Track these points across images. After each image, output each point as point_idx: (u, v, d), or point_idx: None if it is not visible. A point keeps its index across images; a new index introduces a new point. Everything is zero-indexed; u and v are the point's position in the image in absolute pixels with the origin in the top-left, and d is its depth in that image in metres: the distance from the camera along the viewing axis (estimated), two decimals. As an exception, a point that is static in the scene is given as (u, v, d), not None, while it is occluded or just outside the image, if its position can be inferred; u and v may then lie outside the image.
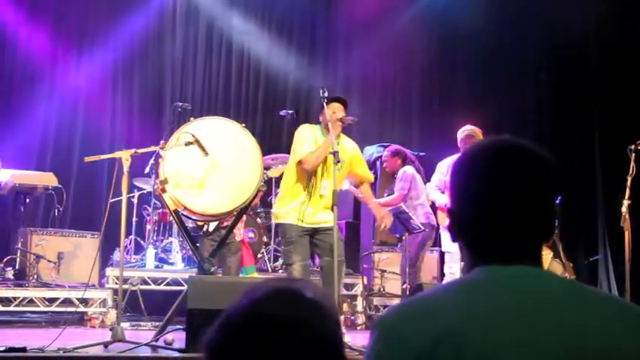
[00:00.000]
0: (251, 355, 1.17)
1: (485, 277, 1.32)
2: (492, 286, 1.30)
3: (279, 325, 1.18)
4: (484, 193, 1.35)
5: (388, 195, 7.92)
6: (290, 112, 9.23)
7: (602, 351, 1.22)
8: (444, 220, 7.01)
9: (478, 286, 1.31)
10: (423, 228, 7.09)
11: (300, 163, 5.53)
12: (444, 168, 6.98)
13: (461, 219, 1.40)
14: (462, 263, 6.10)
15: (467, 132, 6.87)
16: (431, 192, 7.13)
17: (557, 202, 1.40)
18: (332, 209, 5.06)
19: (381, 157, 8.91)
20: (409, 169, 7.60)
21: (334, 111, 5.54)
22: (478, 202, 1.36)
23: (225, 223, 6.91)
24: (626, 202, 6.12)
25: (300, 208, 5.55)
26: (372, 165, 9.12)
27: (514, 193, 1.33)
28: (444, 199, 6.85)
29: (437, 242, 7.59)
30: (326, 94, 5.52)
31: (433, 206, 7.36)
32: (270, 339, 1.17)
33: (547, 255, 7.95)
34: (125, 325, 5.98)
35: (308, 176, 5.59)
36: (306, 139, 5.60)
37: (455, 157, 6.93)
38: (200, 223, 7.16)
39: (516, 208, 1.33)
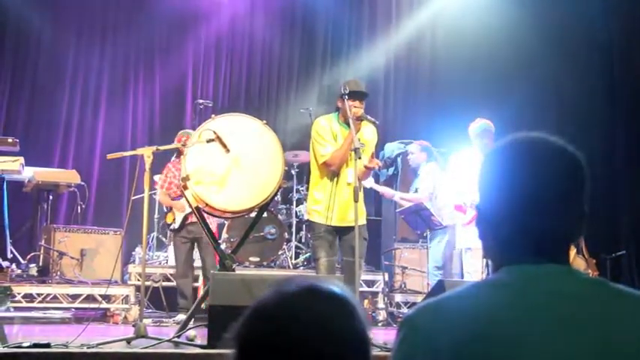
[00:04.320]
0: (282, 349, 1.16)
1: (514, 277, 1.30)
2: (521, 287, 1.28)
3: (310, 320, 1.18)
4: (516, 191, 1.33)
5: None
6: (311, 109, 9.21)
7: (635, 351, 1.20)
8: (461, 216, 6.92)
9: (507, 287, 1.29)
10: (444, 225, 7.04)
11: (325, 165, 5.55)
12: (457, 163, 6.87)
13: (491, 216, 1.38)
14: (485, 260, 6.03)
15: (483, 125, 6.74)
16: (451, 194, 6.96)
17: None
18: (355, 200, 5.06)
19: (401, 153, 8.87)
20: (432, 168, 7.57)
21: (355, 106, 5.48)
22: (509, 200, 1.34)
23: (190, 219, 6.90)
24: (650, 198, 6.07)
25: (328, 205, 5.56)
26: (393, 161, 9.08)
27: (547, 191, 1.31)
28: (460, 197, 6.73)
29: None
30: (347, 91, 5.47)
31: None
32: (301, 333, 1.16)
33: (572, 251, 7.86)
34: (147, 321, 6.01)
35: (332, 171, 5.59)
36: (326, 138, 5.58)
37: (467, 152, 6.85)
38: (169, 221, 7.18)
39: (548, 207, 1.31)
